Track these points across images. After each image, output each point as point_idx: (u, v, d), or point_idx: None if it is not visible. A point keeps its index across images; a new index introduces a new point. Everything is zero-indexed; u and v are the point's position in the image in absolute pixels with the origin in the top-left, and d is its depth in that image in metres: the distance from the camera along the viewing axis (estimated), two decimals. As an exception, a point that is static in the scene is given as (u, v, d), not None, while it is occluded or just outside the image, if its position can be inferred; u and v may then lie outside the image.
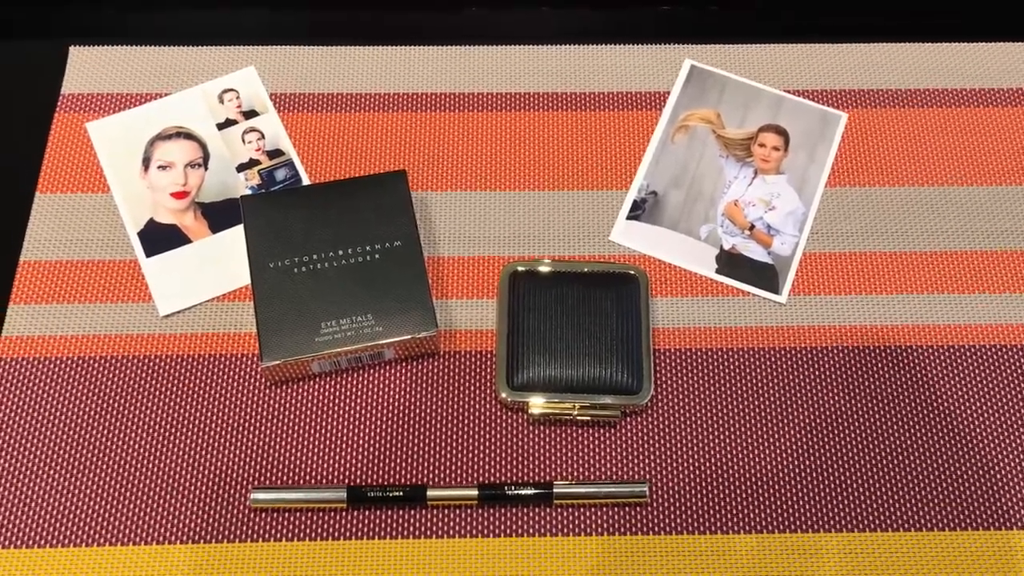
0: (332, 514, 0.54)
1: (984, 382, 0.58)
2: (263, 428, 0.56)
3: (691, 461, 0.56)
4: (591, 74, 0.68)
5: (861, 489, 0.55)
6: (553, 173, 0.65)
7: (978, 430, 0.57)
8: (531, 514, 0.55)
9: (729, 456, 0.56)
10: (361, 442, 0.56)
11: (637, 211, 0.63)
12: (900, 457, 0.56)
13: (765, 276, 0.61)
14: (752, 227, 0.63)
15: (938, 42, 0.70)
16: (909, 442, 0.57)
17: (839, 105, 0.67)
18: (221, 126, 0.65)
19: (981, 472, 0.56)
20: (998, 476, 0.56)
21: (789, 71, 0.69)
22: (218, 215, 0.62)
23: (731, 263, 0.62)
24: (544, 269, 0.60)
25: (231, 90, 0.67)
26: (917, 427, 0.57)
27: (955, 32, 0.70)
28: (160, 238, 0.61)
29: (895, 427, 0.57)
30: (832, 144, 0.66)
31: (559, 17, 0.72)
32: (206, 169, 0.64)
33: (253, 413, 0.57)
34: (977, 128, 0.67)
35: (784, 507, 0.55)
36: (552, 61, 0.69)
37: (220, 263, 0.61)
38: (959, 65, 0.69)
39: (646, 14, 0.72)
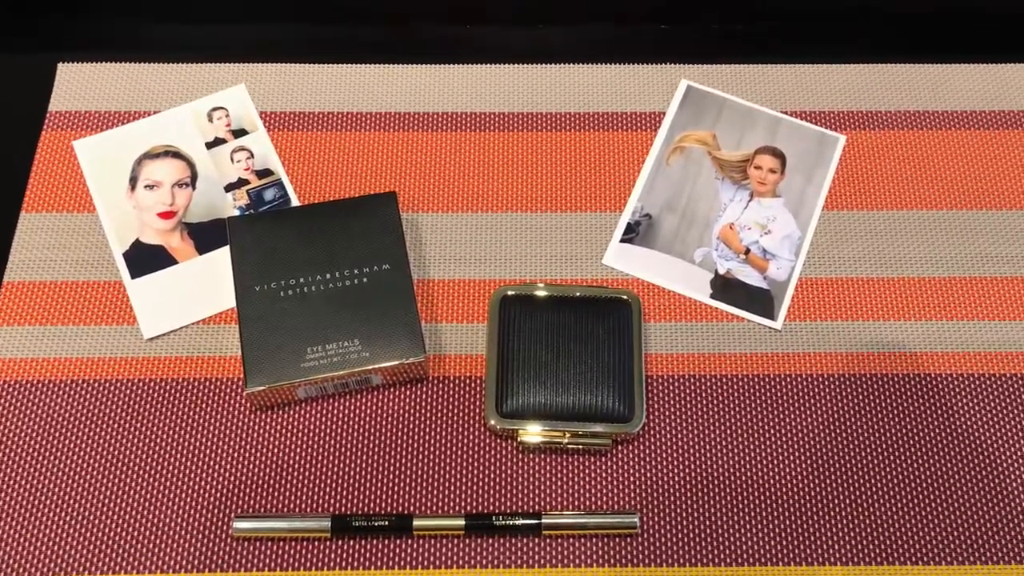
0: (316, 544, 0.53)
1: (982, 410, 0.57)
2: (247, 454, 0.55)
3: (684, 491, 0.55)
4: (585, 94, 0.67)
5: (858, 520, 0.54)
6: (545, 195, 0.64)
7: (977, 457, 0.56)
8: (519, 545, 0.53)
9: (723, 486, 0.55)
10: (346, 470, 0.55)
11: (631, 234, 0.62)
12: (898, 486, 0.55)
13: (760, 301, 0.60)
14: (747, 251, 0.62)
15: (939, 63, 0.69)
16: (907, 471, 0.55)
17: (837, 127, 0.66)
18: (210, 145, 0.65)
19: (986, 503, 0.55)
20: (992, 507, 0.55)
21: (787, 92, 0.68)
22: (205, 236, 0.61)
23: (726, 288, 0.61)
24: (535, 293, 0.59)
25: (220, 108, 0.66)
26: (918, 455, 0.56)
27: (956, 53, 0.70)
28: (146, 259, 0.60)
29: (891, 455, 0.56)
30: (830, 167, 0.65)
31: (553, 36, 0.72)
32: (194, 189, 0.63)
33: (237, 439, 0.56)
34: (979, 151, 0.66)
35: (779, 539, 0.54)
36: (545, 80, 0.68)
37: (206, 285, 0.60)
38: (960, 86, 0.68)
39: (642, 33, 0.72)
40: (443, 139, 0.66)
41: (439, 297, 0.60)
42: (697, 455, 0.56)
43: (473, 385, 0.58)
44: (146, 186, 0.63)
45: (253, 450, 0.55)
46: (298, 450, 0.56)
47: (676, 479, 0.55)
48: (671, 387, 0.58)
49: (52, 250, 0.61)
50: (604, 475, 0.55)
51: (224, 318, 0.59)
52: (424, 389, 0.57)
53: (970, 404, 0.57)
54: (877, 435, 0.57)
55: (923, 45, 0.71)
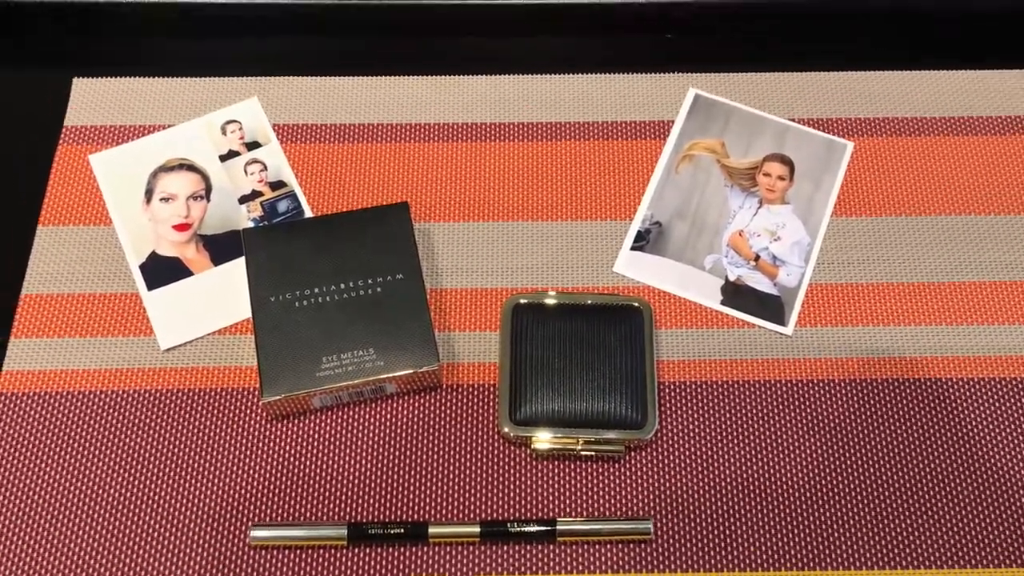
0: (332, 552, 0.54)
1: (993, 414, 0.57)
2: (263, 463, 0.56)
3: (697, 496, 0.55)
4: (595, 103, 0.68)
5: (872, 525, 0.54)
6: (556, 204, 0.64)
7: (989, 462, 0.56)
8: (534, 551, 0.54)
9: (735, 491, 0.55)
10: (362, 478, 0.56)
11: (641, 242, 0.63)
12: (912, 491, 0.55)
13: (771, 307, 0.61)
14: (757, 258, 0.62)
15: (946, 70, 0.69)
16: (921, 476, 0.56)
17: (845, 134, 0.67)
18: (224, 158, 0.65)
19: (996, 506, 0.55)
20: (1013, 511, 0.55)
21: (794, 99, 0.68)
22: (220, 247, 0.62)
23: (736, 294, 0.61)
24: (547, 301, 0.59)
25: (234, 121, 0.67)
26: (928, 460, 0.56)
27: (963, 59, 0.70)
28: (162, 271, 0.61)
29: (905, 460, 0.56)
30: (838, 173, 0.65)
31: (563, 45, 0.72)
32: (208, 201, 0.64)
33: (253, 448, 0.56)
34: (986, 157, 0.66)
35: (792, 543, 0.54)
36: (556, 90, 0.69)
37: (222, 296, 0.60)
38: (967, 93, 0.68)
39: (650, 42, 0.72)
40: (454, 149, 0.66)
41: (452, 306, 0.61)
42: (710, 461, 0.56)
43: (486, 393, 0.58)
44: (161, 199, 0.64)
45: (269, 459, 0.56)
46: (314, 459, 0.56)
47: (689, 485, 0.56)
48: (683, 393, 0.58)
49: (69, 263, 0.62)
50: (617, 481, 0.56)
51: (240, 329, 0.60)
52: (438, 397, 0.58)
53: (981, 409, 0.58)
54: (888, 440, 0.57)
55: (931, 51, 0.71)
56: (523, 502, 0.55)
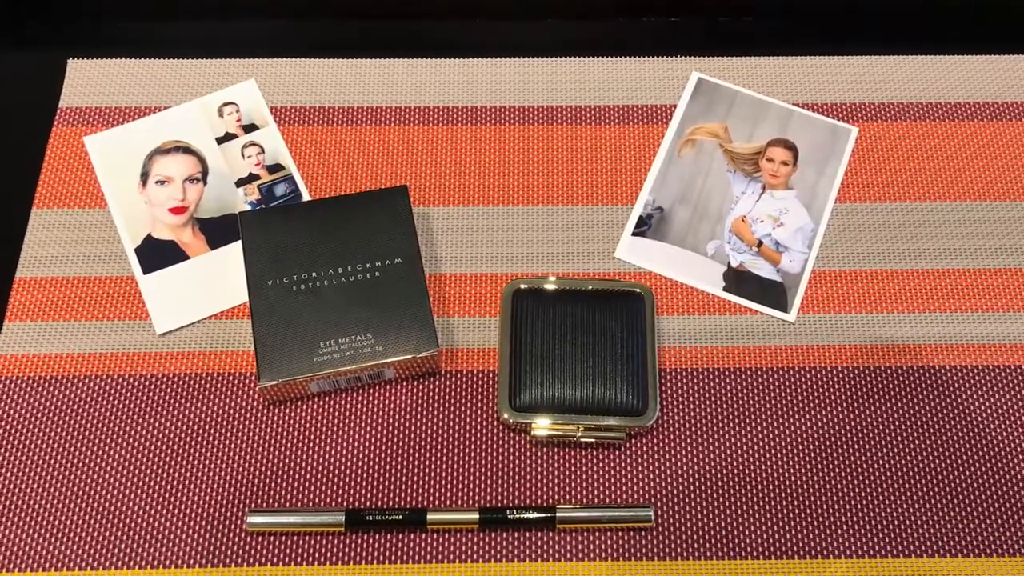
0: (330, 538, 0.53)
1: (995, 403, 0.57)
2: (260, 449, 0.55)
3: (698, 484, 0.55)
4: (597, 87, 0.67)
5: (874, 513, 0.54)
6: (557, 188, 0.64)
7: (990, 451, 0.56)
8: (534, 538, 0.53)
9: (737, 479, 0.55)
10: (360, 464, 0.55)
11: (643, 227, 0.62)
12: (911, 480, 0.55)
13: (773, 294, 0.60)
14: (760, 244, 0.62)
15: (950, 54, 0.69)
16: (923, 464, 0.55)
17: (849, 119, 0.66)
18: (220, 140, 0.64)
19: (998, 495, 0.54)
20: (1006, 498, 0.54)
21: (798, 84, 0.67)
22: (217, 231, 0.61)
23: (739, 280, 0.60)
24: (547, 287, 0.58)
25: (231, 103, 0.66)
26: (930, 448, 0.56)
27: (968, 44, 0.69)
28: (158, 254, 0.60)
29: (906, 448, 0.56)
30: (842, 159, 0.65)
31: (564, 29, 0.71)
32: (205, 184, 0.63)
33: (250, 434, 0.56)
34: (991, 142, 0.65)
35: (794, 532, 0.54)
36: (558, 73, 0.68)
37: (218, 280, 0.60)
38: (972, 78, 0.68)
39: (653, 26, 0.71)
40: (454, 133, 0.65)
41: (451, 291, 0.60)
42: (711, 448, 0.56)
43: (486, 379, 0.58)
44: (157, 181, 0.63)
45: (266, 445, 0.55)
46: (311, 444, 0.56)
47: (690, 472, 0.55)
48: (684, 380, 0.58)
49: (64, 246, 0.61)
50: (618, 468, 0.55)
51: (236, 313, 0.59)
52: (437, 383, 0.57)
53: (984, 397, 0.57)
54: (890, 428, 0.56)
55: (936, 36, 0.70)
56: (522, 489, 0.55)
